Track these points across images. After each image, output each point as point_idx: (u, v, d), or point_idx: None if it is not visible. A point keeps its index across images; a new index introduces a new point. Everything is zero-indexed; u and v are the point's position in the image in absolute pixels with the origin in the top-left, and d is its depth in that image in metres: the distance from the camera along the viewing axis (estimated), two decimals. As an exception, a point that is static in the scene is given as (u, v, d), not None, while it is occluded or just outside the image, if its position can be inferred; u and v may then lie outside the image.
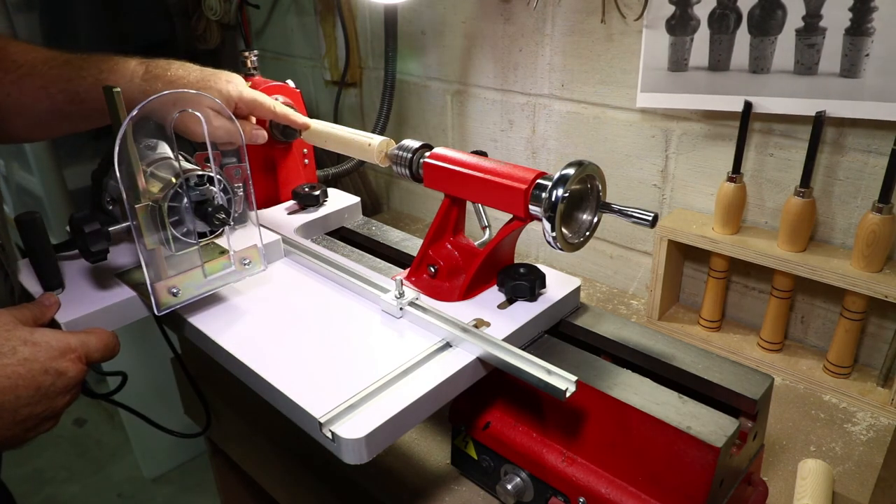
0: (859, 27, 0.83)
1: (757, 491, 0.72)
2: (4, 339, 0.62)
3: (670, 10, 0.96)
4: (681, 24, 0.96)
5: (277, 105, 0.94)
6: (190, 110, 0.75)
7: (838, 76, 0.87)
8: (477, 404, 0.77)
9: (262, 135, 0.94)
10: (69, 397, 0.66)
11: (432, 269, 0.81)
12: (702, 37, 0.95)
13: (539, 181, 0.71)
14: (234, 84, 0.89)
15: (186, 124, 0.80)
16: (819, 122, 0.87)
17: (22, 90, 0.83)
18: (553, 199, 0.68)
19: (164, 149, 0.79)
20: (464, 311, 0.76)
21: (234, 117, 0.80)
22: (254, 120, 0.95)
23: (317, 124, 0.99)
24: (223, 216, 0.74)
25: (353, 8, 1.49)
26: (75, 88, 0.83)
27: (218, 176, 0.75)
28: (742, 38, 0.92)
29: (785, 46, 0.89)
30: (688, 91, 0.99)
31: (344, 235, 1.05)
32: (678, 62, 0.98)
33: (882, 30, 0.82)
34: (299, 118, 0.98)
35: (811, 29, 0.87)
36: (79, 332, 0.68)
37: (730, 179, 0.98)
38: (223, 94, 0.87)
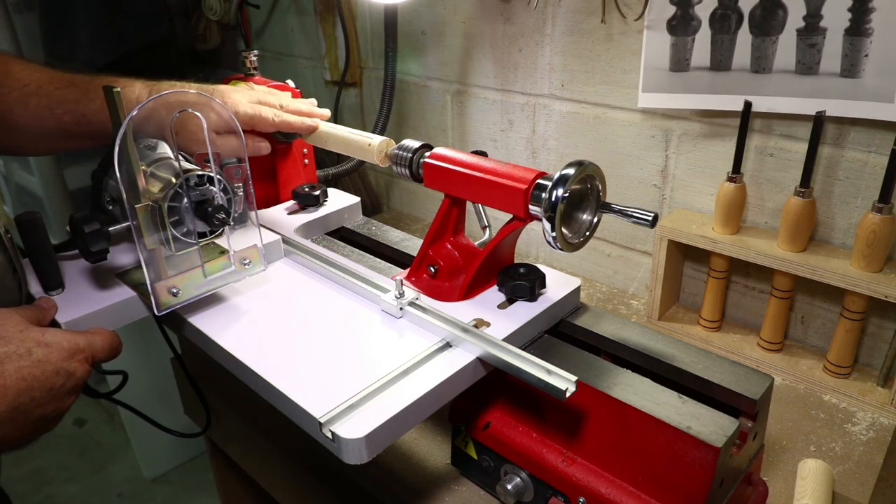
0: (858, 28, 0.83)
1: (757, 491, 0.71)
2: (20, 340, 0.62)
3: (671, 10, 0.96)
4: (682, 25, 0.96)
5: (278, 114, 0.93)
6: (190, 110, 0.75)
7: (839, 76, 0.87)
8: (477, 404, 0.77)
9: (265, 146, 0.94)
10: (75, 397, 0.67)
11: (432, 269, 0.81)
12: (703, 37, 0.95)
13: (539, 181, 0.71)
14: (231, 101, 0.89)
15: (187, 145, 0.81)
16: (819, 122, 0.87)
17: (27, 108, 0.84)
18: (553, 199, 0.68)
19: (164, 149, 0.79)
20: (464, 311, 0.76)
21: (239, 129, 0.79)
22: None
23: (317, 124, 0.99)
24: (223, 216, 0.74)
25: (353, 8, 1.49)
26: (82, 111, 0.84)
27: (218, 176, 0.75)
28: (743, 38, 0.92)
29: (786, 46, 0.89)
30: (690, 91, 0.99)
31: (344, 235, 1.05)
32: (680, 62, 0.98)
33: (880, 31, 0.82)
34: (305, 122, 0.96)
35: (812, 29, 0.87)
36: (85, 333, 0.69)
37: (730, 179, 0.98)
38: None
